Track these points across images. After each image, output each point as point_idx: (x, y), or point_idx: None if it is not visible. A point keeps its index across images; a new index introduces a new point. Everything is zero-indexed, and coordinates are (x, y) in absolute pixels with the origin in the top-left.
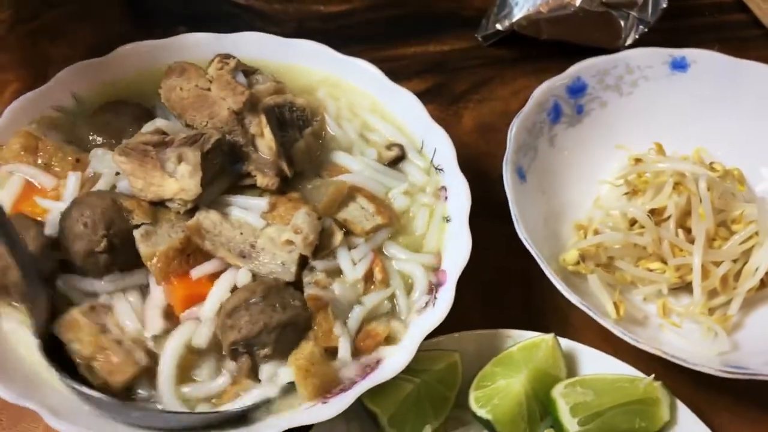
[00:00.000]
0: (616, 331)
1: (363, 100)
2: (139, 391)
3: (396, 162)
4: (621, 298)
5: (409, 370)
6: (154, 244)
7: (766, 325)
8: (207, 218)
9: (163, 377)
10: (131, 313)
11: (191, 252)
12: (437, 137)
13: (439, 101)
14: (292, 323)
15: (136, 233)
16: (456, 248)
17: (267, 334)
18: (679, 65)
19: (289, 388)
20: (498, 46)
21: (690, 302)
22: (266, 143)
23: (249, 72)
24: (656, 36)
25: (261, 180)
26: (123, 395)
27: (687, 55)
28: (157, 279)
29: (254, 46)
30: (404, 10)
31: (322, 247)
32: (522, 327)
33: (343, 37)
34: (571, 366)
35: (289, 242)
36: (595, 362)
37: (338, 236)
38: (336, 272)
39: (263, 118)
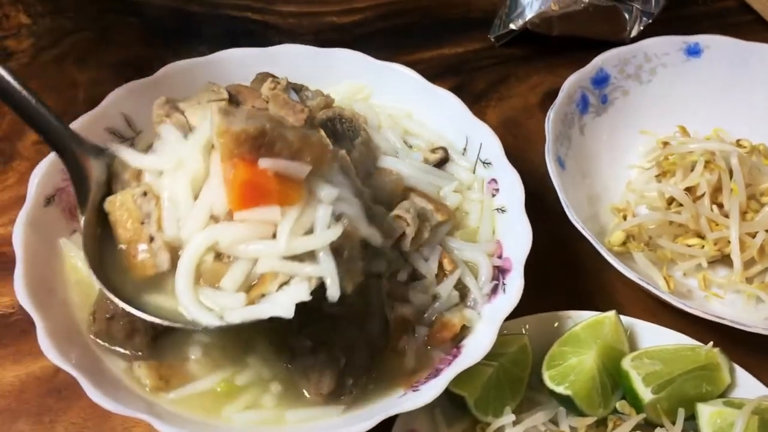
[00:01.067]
0: (675, 302)
1: (400, 109)
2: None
3: (441, 164)
4: (667, 273)
5: (486, 354)
6: (229, 122)
7: None
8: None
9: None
10: (175, 208)
11: (265, 144)
12: (482, 132)
13: (463, 99)
14: None
15: (213, 105)
16: (516, 236)
17: None
18: (694, 51)
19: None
20: (509, 45)
21: (729, 273)
22: None
23: (297, 89)
24: (659, 27)
25: None
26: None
27: (700, 41)
28: (222, 155)
29: (292, 58)
30: (414, 17)
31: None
32: (576, 308)
33: (360, 46)
34: (631, 340)
35: (400, 218)
36: (653, 335)
37: (426, 232)
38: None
39: (322, 133)
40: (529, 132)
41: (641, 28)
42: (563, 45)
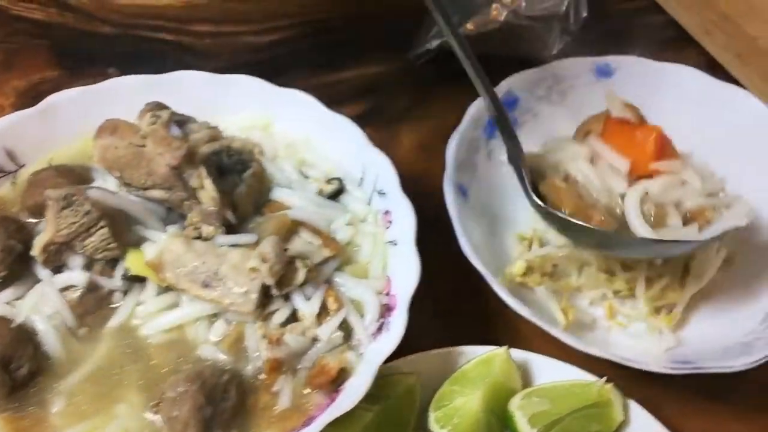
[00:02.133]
0: (564, 337)
1: (299, 136)
2: None
3: (336, 195)
4: (568, 304)
5: (368, 397)
6: None
7: (711, 318)
8: (169, 251)
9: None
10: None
11: None
12: (378, 162)
13: (377, 123)
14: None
15: None
16: (404, 271)
17: None
18: (604, 72)
19: None
20: (429, 64)
21: (635, 302)
22: (208, 195)
23: (183, 121)
24: (581, 44)
25: (206, 231)
26: None
27: (611, 61)
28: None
29: (187, 85)
30: (334, 36)
31: (285, 282)
32: (476, 343)
33: (276, 66)
34: (526, 376)
35: (254, 270)
36: (549, 370)
37: (301, 273)
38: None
39: (203, 171)
40: (444, 156)
41: (561, 46)
42: (484, 64)
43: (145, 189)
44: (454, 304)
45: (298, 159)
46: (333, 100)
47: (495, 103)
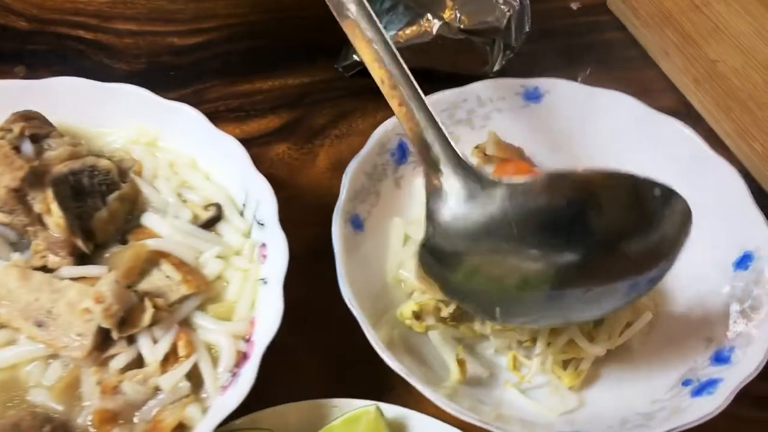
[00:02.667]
0: (434, 397)
1: (184, 156)
2: None
3: (212, 223)
4: (466, 353)
5: None
6: None
7: (621, 379)
8: (1, 284)
9: None
10: None
11: None
12: (260, 188)
13: (295, 139)
14: None
15: None
16: (266, 315)
17: None
18: (533, 96)
19: None
20: (361, 76)
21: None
22: (54, 221)
23: (40, 136)
24: (527, 59)
25: (52, 261)
26: None
27: (540, 84)
28: None
29: (69, 92)
30: (263, 41)
31: (130, 322)
32: (361, 395)
33: (198, 71)
34: None
35: (87, 311)
36: (428, 429)
37: (148, 314)
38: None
39: (49, 193)
40: None
41: (504, 62)
42: (420, 79)
43: None
44: (343, 351)
45: (179, 181)
46: (251, 111)
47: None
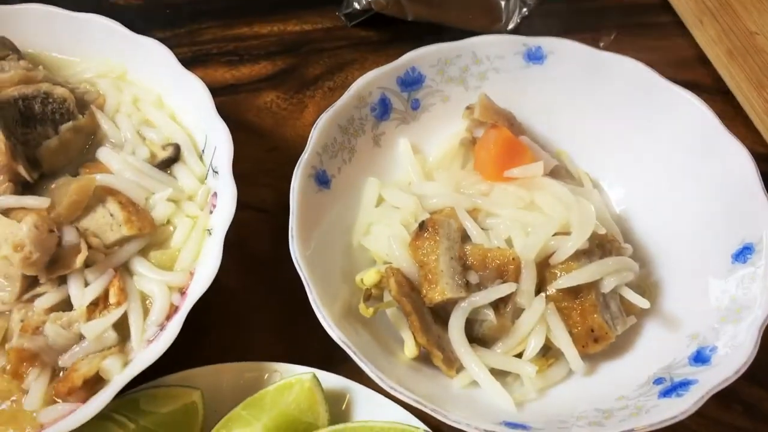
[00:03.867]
0: (374, 376)
1: (149, 93)
2: None
3: (169, 164)
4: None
5: (131, 410)
6: None
7: (589, 372)
8: None
9: None
10: None
11: None
12: (219, 134)
13: (285, 88)
14: None
15: None
16: (205, 269)
17: None
18: (535, 56)
19: None
20: (364, 26)
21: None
22: None
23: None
24: (545, 20)
25: None
26: None
27: (543, 44)
28: None
29: (39, 20)
30: None
31: (62, 264)
32: (312, 362)
33: (195, 11)
34: (343, 410)
35: (5, 258)
36: (370, 406)
37: (82, 255)
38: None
39: None
40: None
41: (519, 20)
42: (427, 34)
43: None
44: (297, 314)
45: (141, 118)
46: (245, 56)
47: None
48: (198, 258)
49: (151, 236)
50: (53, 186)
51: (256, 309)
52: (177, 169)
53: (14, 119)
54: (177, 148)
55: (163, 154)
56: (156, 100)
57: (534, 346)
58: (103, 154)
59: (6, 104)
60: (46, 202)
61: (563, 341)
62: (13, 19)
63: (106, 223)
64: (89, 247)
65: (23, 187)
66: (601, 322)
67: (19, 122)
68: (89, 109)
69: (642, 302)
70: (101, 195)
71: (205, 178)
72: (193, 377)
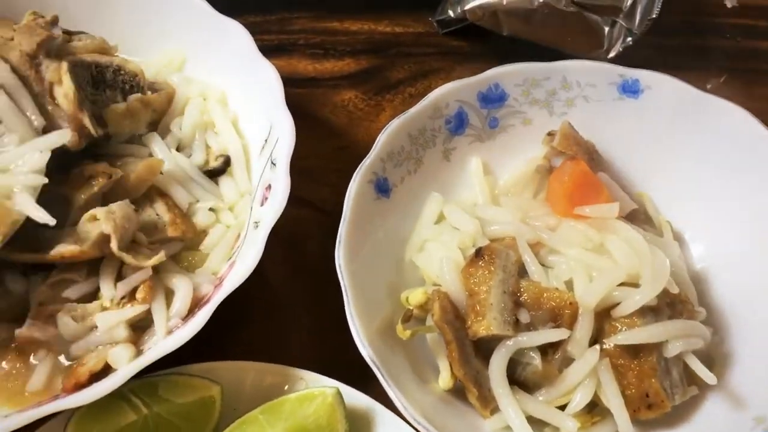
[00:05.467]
0: (398, 402)
1: (214, 89)
2: None
3: (217, 174)
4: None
5: (148, 394)
6: None
7: None
8: None
9: None
10: None
11: None
12: (283, 127)
13: (365, 88)
14: None
15: None
16: (243, 261)
17: None
18: (631, 89)
19: None
20: (456, 35)
21: None
22: (64, 91)
23: (73, 32)
24: (650, 52)
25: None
26: None
27: (642, 77)
28: None
29: None
30: None
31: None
32: (339, 375)
33: (288, 0)
34: (361, 428)
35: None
36: (390, 427)
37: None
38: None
39: (64, 65)
40: None
41: (621, 49)
42: (521, 51)
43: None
44: (336, 322)
45: (204, 120)
46: (330, 50)
47: None
48: (227, 261)
49: (185, 241)
50: (119, 163)
51: (296, 310)
52: (223, 180)
53: (86, 80)
54: (227, 161)
55: (214, 164)
56: (221, 98)
57: (579, 400)
58: (161, 150)
59: (80, 64)
60: (118, 174)
61: (615, 402)
62: None
63: (152, 221)
64: (132, 241)
65: (88, 143)
66: (658, 389)
67: (89, 83)
68: (164, 90)
69: (708, 377)
70: (150, 194)
71: (247, 193)
72: (216, 370)
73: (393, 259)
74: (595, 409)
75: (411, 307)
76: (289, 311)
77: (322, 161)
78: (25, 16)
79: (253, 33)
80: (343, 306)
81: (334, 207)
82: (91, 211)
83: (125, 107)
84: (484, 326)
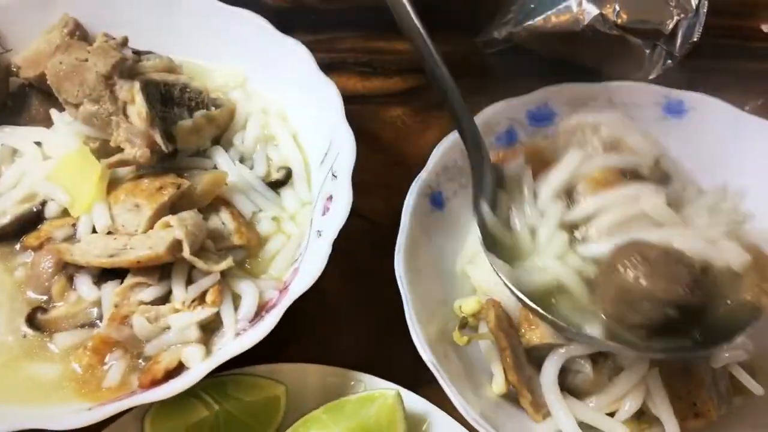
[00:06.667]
0: (459, 405)
1: (274, 104)
2: None
3: (279, 185)
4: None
5: (218, 394)
6: None
7: None
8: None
9: None
10: None
11: None
12: (344, 141)
13: (413, 105)
14: None
15: None
16: (307, 268)
17: None
18: (675, 110)
19: None
20: (502, 57)
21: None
22: (137, 109)
23: (142, 52)
24: (689, 75)
25: (129, 150)
26: None
27: (685, 99)
28: None
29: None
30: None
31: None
32: (397, 379)
33: (336, 21)
34: (418, 431)
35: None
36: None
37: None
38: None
39: (136, 84)
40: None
41: (661, 70)
42: (564, 72)
43: (77, 105)
44: (392, 329)
45: (266, 134)
46: (378, 68)
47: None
48: (290, 267)
49: (250, 249)
50: (186, 175)
51: (351, 318)
52: (284, 190)
53: (156, 98)
54: (289, 173)
55: (276, 176)
56: (281, 112)
57: (629, 408)
58: (225, 162)
59: (150, 82)
60: (186, 184)
61: (664, 410)
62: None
63: (218, 230)
64: (201, 248)
65: (158, 158)
66: (706, 398)
67: (159, 101)
68: (226, 106)
69: (755, 387)
70: (216, 204)
71: (307, 203)
72: (279, 371)
73: (445, 269)
74: (642, 416)
75: (464, 315)
76: (344, 318)
77: (373, 175)
78: (97, 38)
79: None
80: (395, 314)
81: (384, 218)
82: (165, 218)
83: (192, 123)
84: (538, 335)
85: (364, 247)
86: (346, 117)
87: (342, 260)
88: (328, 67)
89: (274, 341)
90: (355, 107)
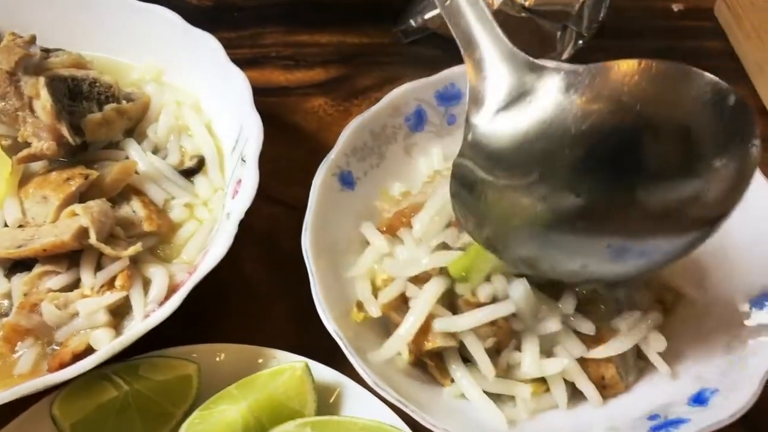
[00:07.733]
0: (363, 372)
1: (188, 96)
2: None
3: (191, 173)
4: None
5: (129, 374)
6: None
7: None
8: None
9: None
10: None
11: None
12: (252, 126)
13: (335, 95)
14: None
15: None
16: (216, 246)
17: None
18: None
19: None
20: (420, 44)
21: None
22: (41, 104)
23: (51, 50)
24: (602, 56)
25: (36, 144)
26: None
27: None
28: None
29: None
30: None
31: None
32: (314, 355)
33: (260, 15)
34: (329, 402)
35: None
36: (360, 403)
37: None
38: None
39: (41, 80)
40: None
41: (572, 51)
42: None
43: None
44: (307, 311)
45: (180, 123)
46: (301, 61)
47: None
48: (200, 252)
49: (165, 234)
50: (96, 166)
51: (274, 300)
52: (197, 178)
53: (63, 93)
54: (201, 160)
55: (189, 164)
56: (194, 103)
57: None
58: (136, 153)
59: (56, 78)
60: (94, 174)
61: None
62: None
63: (128, 217)
64: (111, 236)
65: (67, 151)
66: (614, 374)
67: (66, 96)
68: (139, 99)
69: (664, 369)
70: (127, 192)
71: (220, 189)
72: (194, 352)
73: (360, 247)
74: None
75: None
76: (265, 301)
77: (294, 163)
78: (5, 36)
79: (227, 48)
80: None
81: (305, 204)
82: (70, 207)
83: (101, 116)
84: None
85: (285, 232)
86: (260, 109)
87: (264, 246)
88: (251, 62)
89: (194, 329)
90: (278, 99)
